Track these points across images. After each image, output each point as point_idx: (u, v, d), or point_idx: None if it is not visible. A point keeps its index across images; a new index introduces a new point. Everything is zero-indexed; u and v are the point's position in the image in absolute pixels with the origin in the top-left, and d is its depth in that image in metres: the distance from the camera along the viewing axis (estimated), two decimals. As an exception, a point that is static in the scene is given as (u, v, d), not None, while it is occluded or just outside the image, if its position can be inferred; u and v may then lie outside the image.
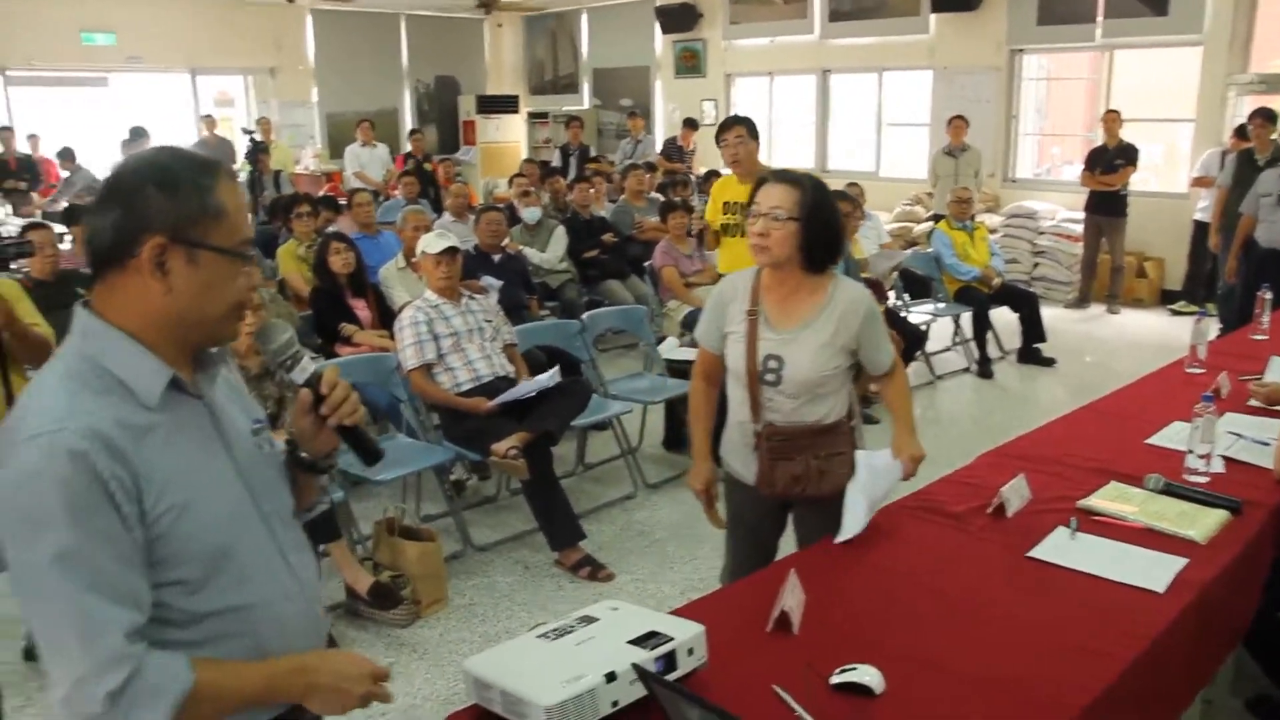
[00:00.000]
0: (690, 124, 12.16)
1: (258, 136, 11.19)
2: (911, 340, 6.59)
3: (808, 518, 2.85)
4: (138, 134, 9.91)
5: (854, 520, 2.60)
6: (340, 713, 1.57)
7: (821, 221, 2.67)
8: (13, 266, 4.78)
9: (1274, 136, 7.75)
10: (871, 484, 2.67)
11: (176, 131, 12.36)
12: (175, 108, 13.52)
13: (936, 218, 9.16)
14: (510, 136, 15.30)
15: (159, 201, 1.39)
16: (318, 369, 1.67)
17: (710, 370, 2.93)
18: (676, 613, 2.16)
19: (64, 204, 10.06)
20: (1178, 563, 2.42)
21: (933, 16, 11.06)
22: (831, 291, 2.74)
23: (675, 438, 5.56)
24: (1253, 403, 3.71)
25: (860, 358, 2.79)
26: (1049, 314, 8.31)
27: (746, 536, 2.99)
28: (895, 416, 2.89)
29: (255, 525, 1.54)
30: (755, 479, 2.82)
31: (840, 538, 2.57)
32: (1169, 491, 2.81)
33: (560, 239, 7.36)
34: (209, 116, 12.32)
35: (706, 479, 2.94)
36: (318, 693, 1.53)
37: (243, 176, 11.80)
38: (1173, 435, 3.31)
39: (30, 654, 3.48)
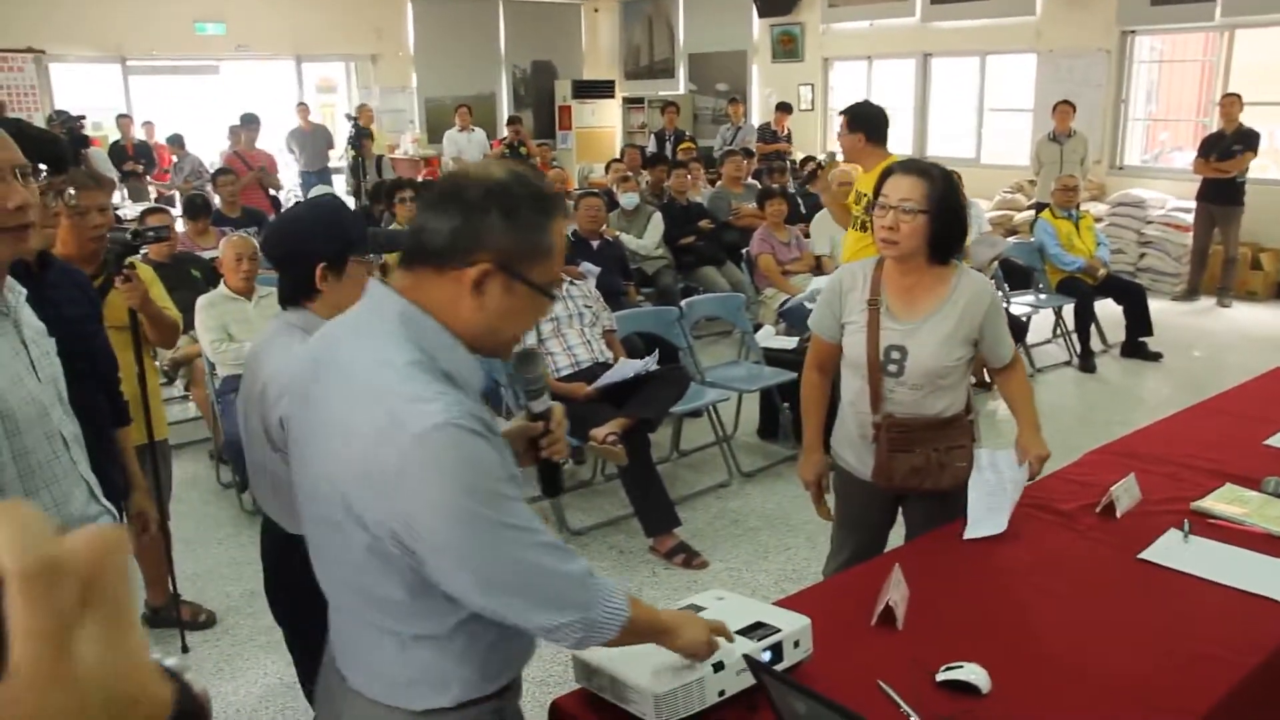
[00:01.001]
0: (784, 108, 12.05)
1: (360, 122, 11.45)
2: (1012, 332, 6.45)
3: (921, 511, 2.81)
4: (248, 120, 10.21)
5: (983, 519, 2.56)
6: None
7: (950, 213, 2.63)
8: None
9: None
10: (998, 485, 2.63)
11: (281, 117, 12.68)
12: (281, 94, 13.88)
13: (1039, 206, 8.94)
14: (606, 121, 15.36)
15: (500, 228, 1.43)
16: (551, 405, 1.81)
17: (824, 360, 2.89)
18: (780, 604, 2.17)
19: (175, 192, 10.47)
20: (1300, 571, 2.34)
21: (1040, -2, 10.78)
22: (955, 283, 2.70)
23: (770, 426, 5.54)
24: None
25: (981, 349, 2.76)
26: (1155, 306, 8.05)
27: (856, 530, 2.94)
28: (1018, 414, 2.83)
29: None
30: (871, 472, 2.78)
31: (969, 535, 2.54)
32: (1289, 495, 2.73)
33: (657, 225, 7.39)
34: (303, 104, 12.61)
35: (818, 470, 2.91)
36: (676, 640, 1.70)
37: (345, 161, 12.12)
38: (1293, 436, 3.20)
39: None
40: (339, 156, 11.58)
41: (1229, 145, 8.83)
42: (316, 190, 7.91)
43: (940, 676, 1.91)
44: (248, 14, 13.16)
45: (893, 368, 2.69)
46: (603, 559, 4.28)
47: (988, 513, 2.59)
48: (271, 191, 9.93)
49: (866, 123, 4.57)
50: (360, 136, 10.94)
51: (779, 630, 1.88)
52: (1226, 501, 2.71)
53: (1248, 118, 8.95)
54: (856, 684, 1.91)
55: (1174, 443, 3.23)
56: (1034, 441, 2.72)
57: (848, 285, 2.78)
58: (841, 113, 4.76)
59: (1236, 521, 2.60)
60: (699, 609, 1.99)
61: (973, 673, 1.91)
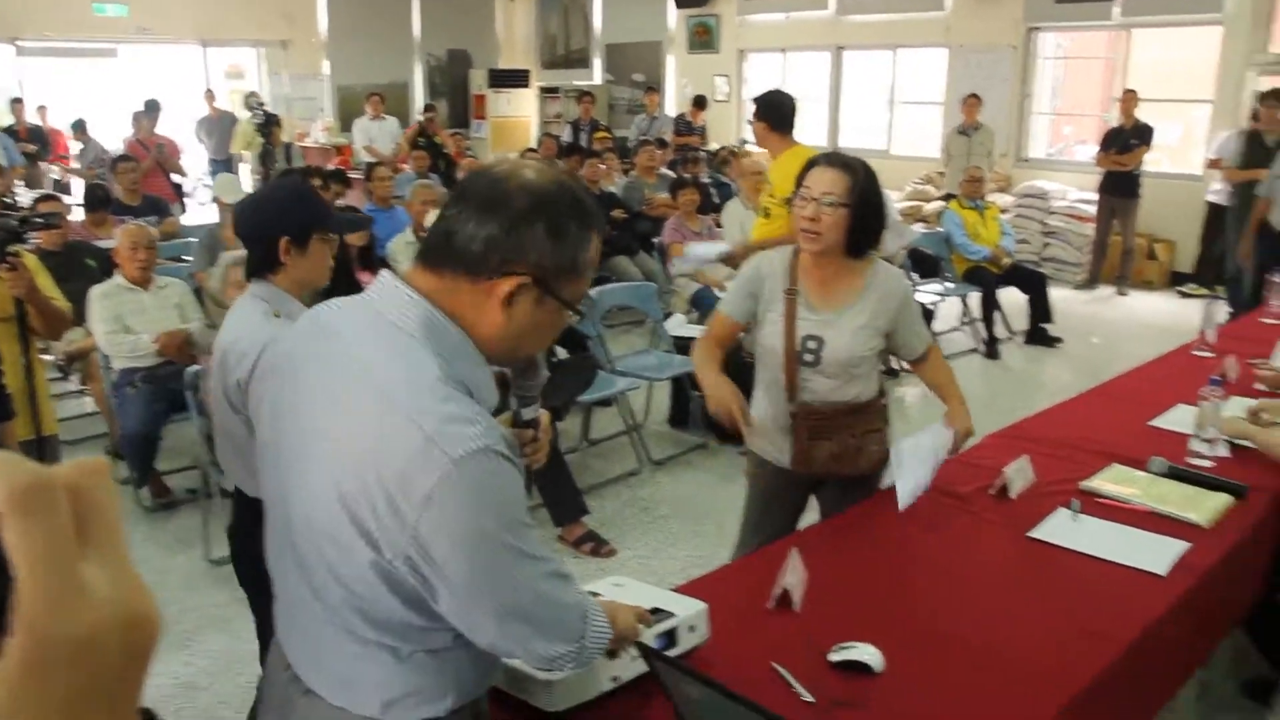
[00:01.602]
0: (699, 101, 12.09)
1: (270, 108, 11.18)
2: (920, 320, 6.57)
3: (836, 496, 2.85)
4: (151, 107, 9.91)
5: (910, 483, 2.60)
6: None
7: (870, 207, 2.66)
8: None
9: None
10: (919, 449, 2.67)
11: (187, 104, 12.34)
12: (186, 80, 13.51)
13: (948, 197, 9.12)
14: (521, 111, 15.26)
15: (542, 245, 1.36)
16: (540, 413, 1.76)
17: (724, 337, 2.86)
18: (680, 590, 2.17)
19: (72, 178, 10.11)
20: (1180, 546, 2.42)
21: (949, -6, 10.99)
22: (870, 276, 2.75)
23: (681, 414, 5.57)
24: (1259, 386, 3.71)
25: (894, 342, 2.81)
26: (1058, 295, 8.29)
27: (770, 516, 2.98)
28: (945, 394, 2.89)
29: None
30: (791, 460, 2.81)
31: (903, 506, 2.58)
32: (1172, 475, 2.82)
33: (570, 215, 7.35)
34: (210, 91, 12.29)
35: (729, 390, 2.68)
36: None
37: (253, 151, 11.83)
38: (1178, 418, 3.30)
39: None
40: (246, 144, 11.28)
41: (1127, 139, 9.12)
42: (222, 179, 7.71)
43: (834, 657, 1.93)
44: (152, -5, 12.77)
45: (809, 357, 2.72)
46: (512, 549, 4.25)
47: (915, 480, 2.62)
48: (175, 179, 9.66)
49: (771, 111, 4.63)
50: (269, 124, 10.69)
51: (674, 615, 1.88)
52: (1114, 481, 2.79)
53: (1146, 114, 9.24)
54: (752, 666, 1.92)
55: (1067, 426, 3.32)
56: (961, 417, 2.79)
57: (765, 271, 2.78)
58: (754, 100, 4.80)
59: (1122, 500, 2.68)
60: (595, 595, 1.99)
61: (866, 653, 1.93)
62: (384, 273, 1.44)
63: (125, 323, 4.55)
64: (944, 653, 1.99)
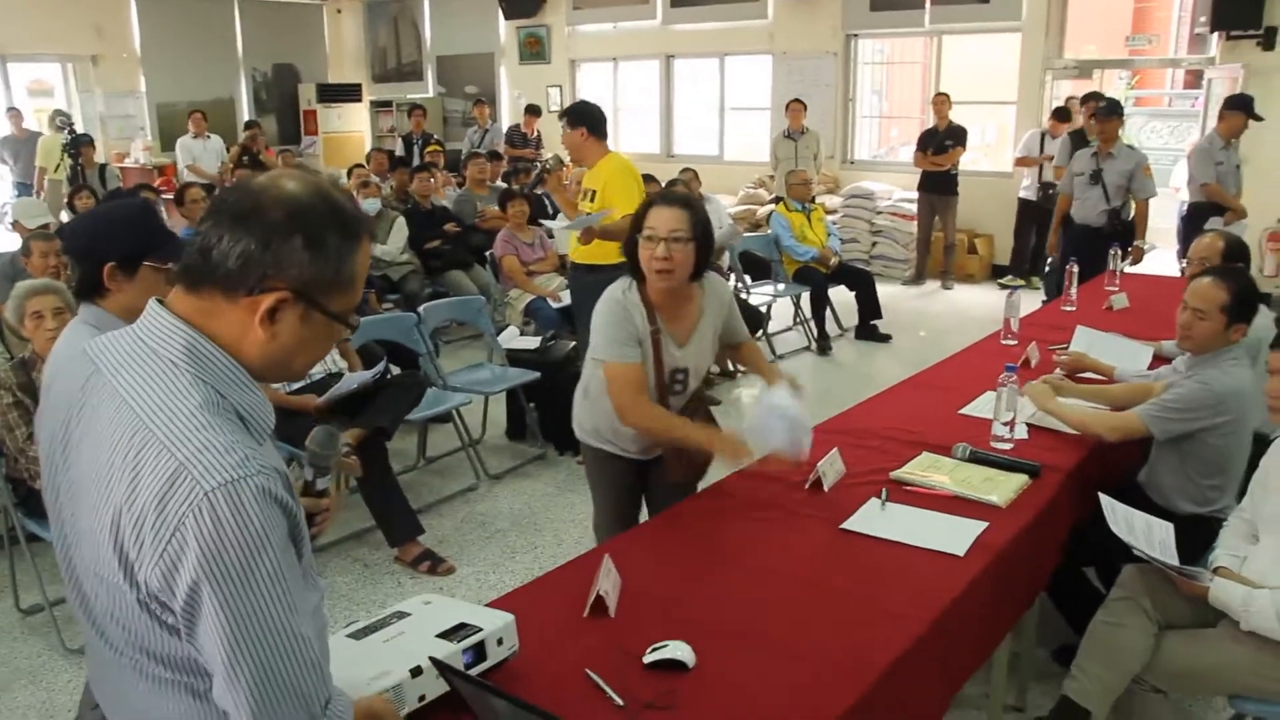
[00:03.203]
0: (532, 110, 12.08)
1: (78, 127, 10.57)
2: (752, 321, 6.73)
3: (665, 482, 3.05)
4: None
5: (782, 440, 2.71)
6: None
7: (708, 236, 2.84)
8: None
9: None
10: (764, 416, 2.77)
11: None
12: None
13: (778, 200, 9.37)
14: (353, 126, 14.92)
15: (301, 258, 1.31)
16: (330, 485, 1.73)
17: (642, 382, 2.86)
18: (494, 604, 2.15)
19: None
20: (978, 527, 2.54)
21: (771, 2, 11.28)
22: (703, 290, 2.96)
23: (518, 427, 5.54)
24: (1058, 372, 3.93)
25: (723, 338, 3.08)
26: (887, 291, 8.61)
27: (622, 496, 3.17)
28: (762, 369, 3.15)
29: None
30: (668, 473, 3.01)
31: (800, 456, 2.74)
32: (975, 459, 2.96)
33: (400, 230, 7.24)
34: (15, 110, 11.57)
35: (737, 444, 2.75)
36: None
37: (61, 172, 11.21)
38: (983, 405, 3.47)
39: None
40: (55, 166, 10.66)
41: (942, 140, 9.55)
42: (21, 203, 7.27)
43: (647, 658, 1.95)
44: (-63, 6, 11.95)
45: (678, 388, 2.97)
46: (347, 573, 4.15)
47: (784, 436, 2.72)
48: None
49: (585, 119, 4.67)
50: (78, 143, 10.13)
51: (480, 630, 1.86)
52: (923, 469, 2.91)
53: (961, 115, 9.70)
54: (566, 675, 1.92)
55: (882, 417, 3.44)
56: (776, 374, 3.04)
57: (630, 311, 2.86)
58: (562, 114, 4.83)
59: (928, 487, 2.80)
60: (404, 615, 1.96)
61: (678, 649, 1.96)
62: (151, 300, 1.38)
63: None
64: (754, 647, 2.03)
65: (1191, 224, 7.28)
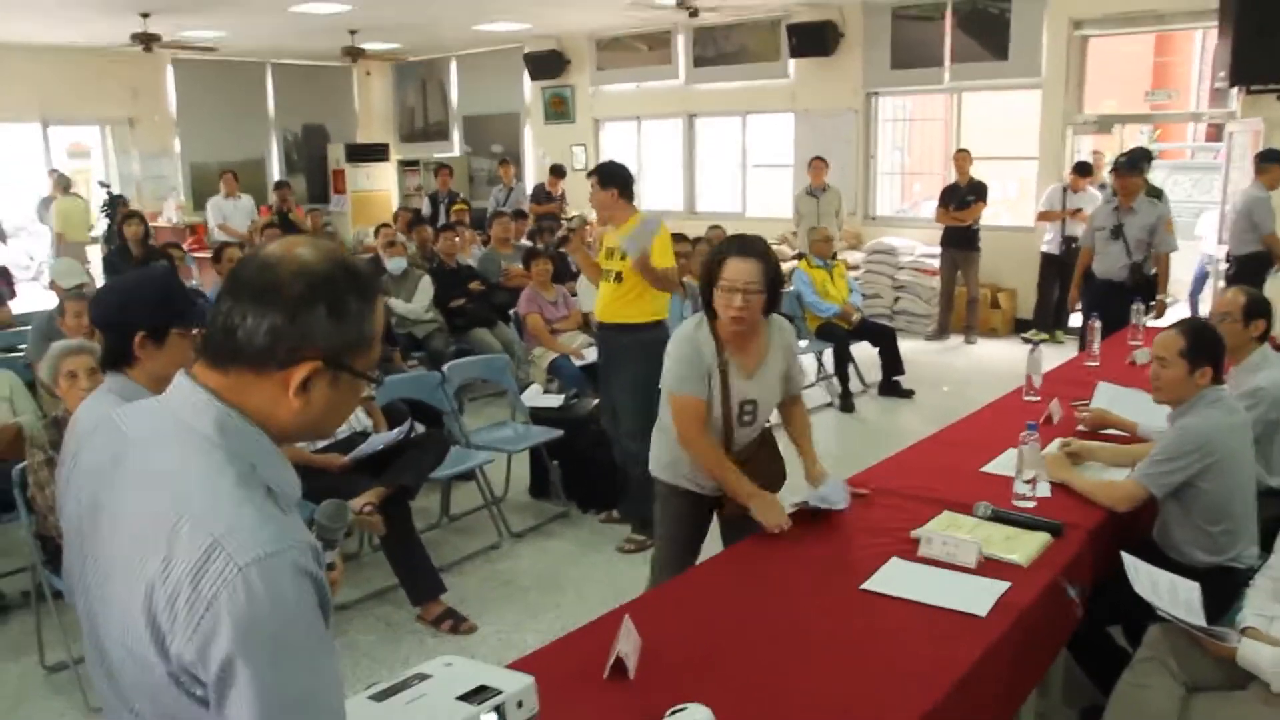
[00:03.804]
0: (557, 171, 12.23)
1: (115, 189, 10.85)
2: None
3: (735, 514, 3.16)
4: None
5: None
6: None
7: (779, 282, 3.08)
8: None
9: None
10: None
11: (27, 184, 11.88)
12: (26, 159, 13.02)
13: (800, 256, 9.42)
14: (381, 185, 15.18)
15: (326, 327, 1.33)
16: (337, 557, 1.78)
17: (703, 417, 3.10)
18: (517, 664, 2.16)
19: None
20: (1000, 586, 2.53)
21: (792, 62, 11.42)
22: (769, 328, 3.17)
23: (541, 485, 5.55)
24: (1080, 428, 3.92)
25: (786, 383, 3.27)
26: (910, 346, 8.61)
27: (690, 539, 3.30)
28: (804, 446, 3.33)
29: None
30: (715, 489, 3.17)
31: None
32: (996, 518, 2.95)
33: (426, 289, 7.33)
34: (56, 172, 11.84)
35: (777, 510, 2.99)
36: None
37: (100, 229, 11.45)
38: (1005, 462, 3.46)
39: None
40: (69, 224, 10.91)
41: (963, 196, 9.60)
42: (60, 263, 7.44)
43: (666, 721, 1.95)
44: (-17, 72, 12.30)
45: (747, 418, 3.15)
46: (369, 632, 4.15)
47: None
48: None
49: (614, 179, 4.73)
50: (115, 203, 10.38)
51: (500, 692, 1.87)
52: (943, 527, 2.90)
53: (982, 170, 9.76)
54: (585, 738, 1.92)
55: (903, 475, 3.44)
56: (817, 471, 3.25)
57: (700, 348, 3.07)
58: (591, 172, 4.89)
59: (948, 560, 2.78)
60: (425, 676, 1.97)
61: (697, 713, 1.95)
62: (179, 373, 1.40)
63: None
64: (774, 710, 2.03)
65: (1247, 276, 7.28)
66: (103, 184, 11.39)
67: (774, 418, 3.34)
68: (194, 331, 2.39)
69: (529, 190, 12.52)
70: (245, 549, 1.24)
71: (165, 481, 1.31)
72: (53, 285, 6.86)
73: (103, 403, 2.23)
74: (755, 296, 2.97)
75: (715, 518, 3.33)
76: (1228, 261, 8.07)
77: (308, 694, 1.28)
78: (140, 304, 2.32)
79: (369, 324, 1.40)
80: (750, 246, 3.05)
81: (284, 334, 1.32)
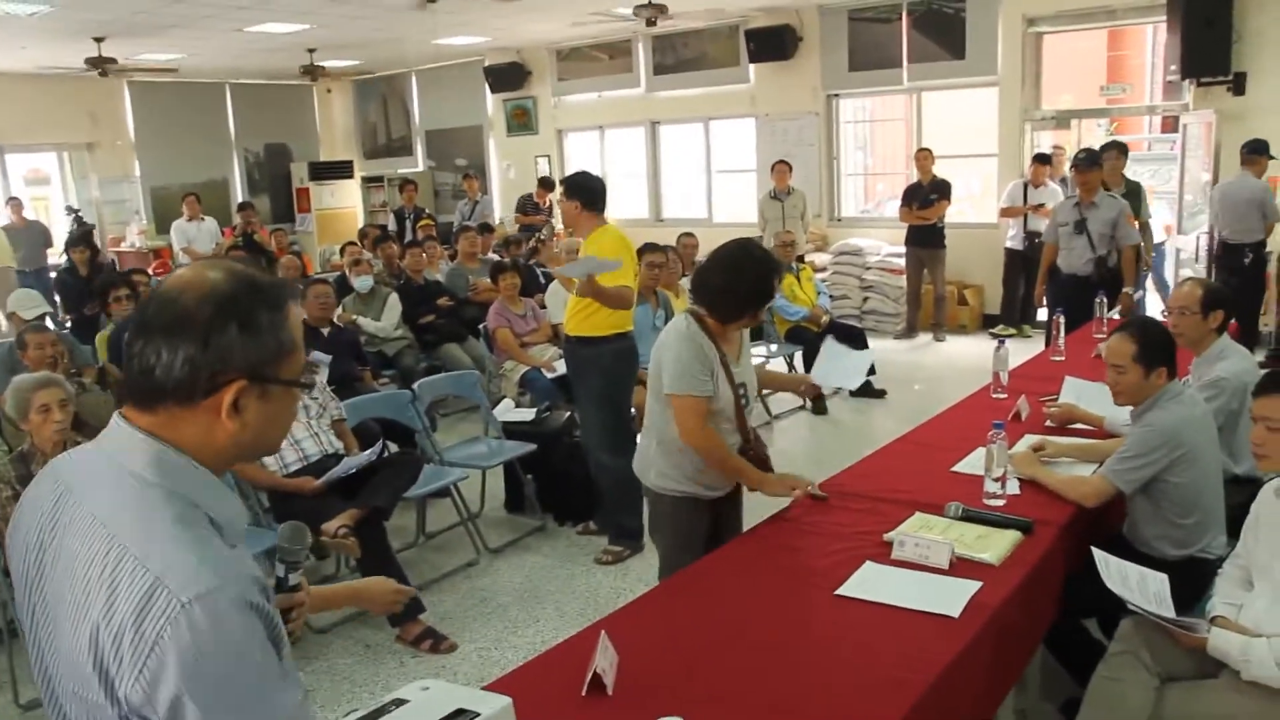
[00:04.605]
0: (545, 183, 12.16)
1: (85, 216, 10.77)
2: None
3: (731, 505, 3.45)
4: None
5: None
6: None
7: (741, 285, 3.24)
8: None
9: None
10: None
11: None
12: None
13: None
14: (346, 202, 15.10)
15: (241, 342, 1.33)
16: (303, 579, 1.77)
17: (707, 411, 3.21)
18: (492, 686, 2.16)
19: None
20: (972, 586, 2.55)
21: (751, 66, 11.48)
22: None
23: (516, 499, 5.55)
24: (1049, 424, 3.96)
25: None
26: (879, 345, 8.66)
27: (693, 544, 3.31)
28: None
29: None
30: (716, 487, 3.35)
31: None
32: (967, 517, 2.97)
33: (394, 306, 7.30)
34: (15, 199, 11.71)
35: (788, 481, 3.25)
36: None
37: (64, 259, 11.34)
38: (975, 461, 3.48)
39: None
40: (58, 254, 10.81)
41: (926, 194, 9.69)
42: (19, 294, 7.33)
43: (644, 736, 1.96)
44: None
45: (744, 401, 3.31)
46: (348, 654, 4.13)
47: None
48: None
49: (581, 191, 4.73)
50: (86, 234, 10.30)
51: (478, 715, 1.87)
52: (915, 529, 2.92)
53: (944, 169, 9.85)
54: (565, 757, 1.93)
55: (874, 477, 3.47)
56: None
57: (703, 346, 3.21)
58: (560, 182, 4.91)
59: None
60: (403, 702, 1.96)
61: (674, 728, 1.96)
62: (115, 416, 1.40)
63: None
64: (749, 715, 2.04)
65: (1241, 263, 7.68)
66: (71, 209, 11.31)
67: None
68: None
69: (496, 205, 12.48)
70: (187, 586, 1.23)
71: (104, 524, 1.30)
72: (11, 317, 6.78)
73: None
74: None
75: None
76: (1214, 249, 8.25)
77: None
78: None
79: (285, 332, 1.39)
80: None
81: (201, 362, 1.32)
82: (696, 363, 3.17)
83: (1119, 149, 8.25)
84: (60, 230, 12.21)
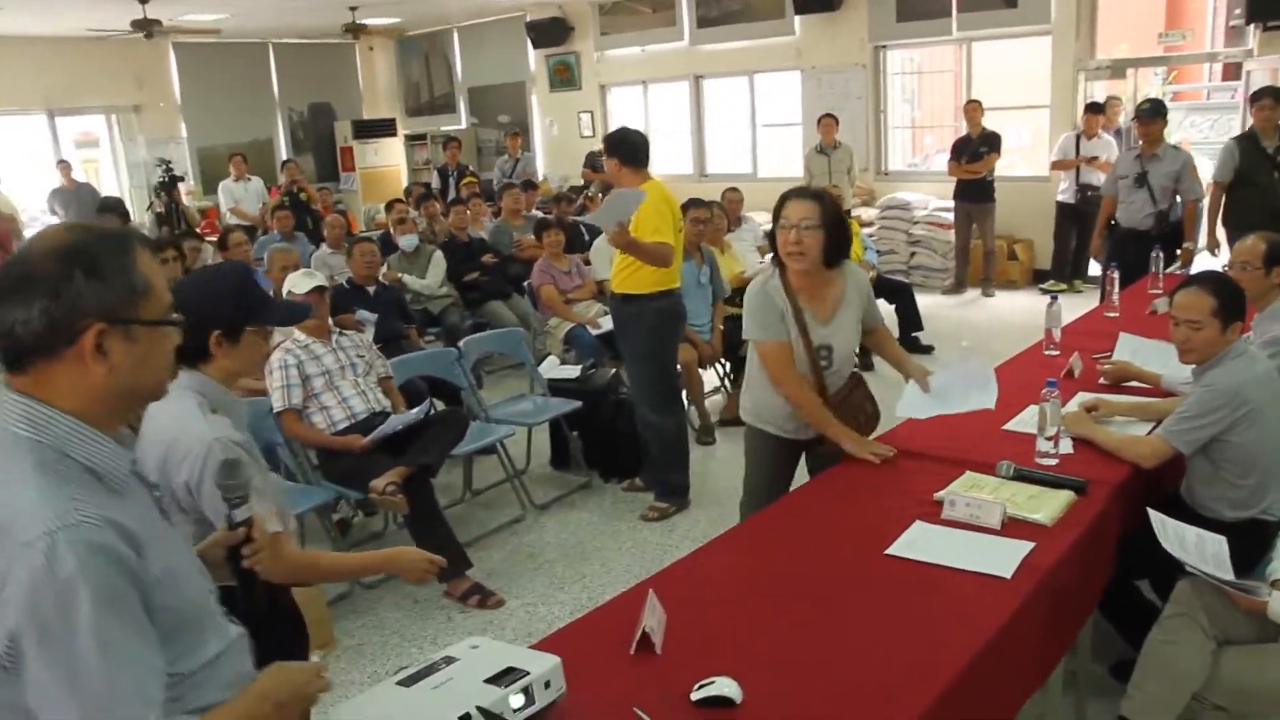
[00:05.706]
0: None
1: (175, 169, 11.02)
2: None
3: (825, 452, 3.36)
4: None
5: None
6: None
7: (838, 227, 3.19)
8: None
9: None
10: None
11: (37, 175, 11.90)
12: (34, 150, 13.04)
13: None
14: (390, 160, 15.13)
15: (90, 287, 1.38)
16: (254, 513, 1.79)
17: (790, 357, 3.25)
18: (540, 644, 2.17)
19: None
20: (1024, 547, 2.51)
21: (797, 18, 11.27)
22: (845, 277, 3.32)
23: (562, 456, 5.56)
24: (1102, 381, 3.88)
25: (864, 322, 3.43)
26: (927, 301, 8.55)
27: (777, 477, 3.45)
28: (898, 357, 3.60)
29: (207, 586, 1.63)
30: (797, 432, 3.39)
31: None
32: (1019, 477, 2.92)
33: (439, 264, 7.31)
34: (64, 162, 11.86)
35: (869, 445, 3.24)
36: (283, 708, 1.59)
37: (148, 214, 11.59)
38: (1027, 420, 3.42)
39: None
40: (146, 207, 11.06)
41: (976, 148, 9.49)
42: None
43: (695, 695, 1.95)
44: (-14, 64, 12.28)
45: (824, 363, 3.29)
46: (397, 609, 4.18)
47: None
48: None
49: (622, 147, 4.68)
50: (174, 181, 10.51)
51: (528, 674, 1.87)
52: (966, 488, 2.87)
53: (994, 121, 9.64)
54: (614, 715, 1.92)
55: (924, 435, 3.41)
56: (919, 369, 3.50)
57: (773, 296, 3.23)
58: (603, 139, 4.86)
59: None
60: (452, 660, 1.97)
61: (725, 686, 1.95)
62: None
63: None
64: (802, 680, 2.03)
65: None
66: (162, 160, 11.53)
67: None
68: (268, 329, 2.46)
69: (539, 161, 12.42)
70: (28, 527, 1.30)
71: None
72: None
73: (187, 403, 2.26)
74: (810, 233, 3.10)
75: (804, 458, 3.52)
76: None
77: (95, 674, 1.31)
78: (217, 303, 2.31)
79: (136, 274, 1.44)
80: (808, 190, 3.27)
81: (55, 312, 1.38)
82: (764, 312, 3.24)
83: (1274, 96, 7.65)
84: (109, 190, 12.36)
